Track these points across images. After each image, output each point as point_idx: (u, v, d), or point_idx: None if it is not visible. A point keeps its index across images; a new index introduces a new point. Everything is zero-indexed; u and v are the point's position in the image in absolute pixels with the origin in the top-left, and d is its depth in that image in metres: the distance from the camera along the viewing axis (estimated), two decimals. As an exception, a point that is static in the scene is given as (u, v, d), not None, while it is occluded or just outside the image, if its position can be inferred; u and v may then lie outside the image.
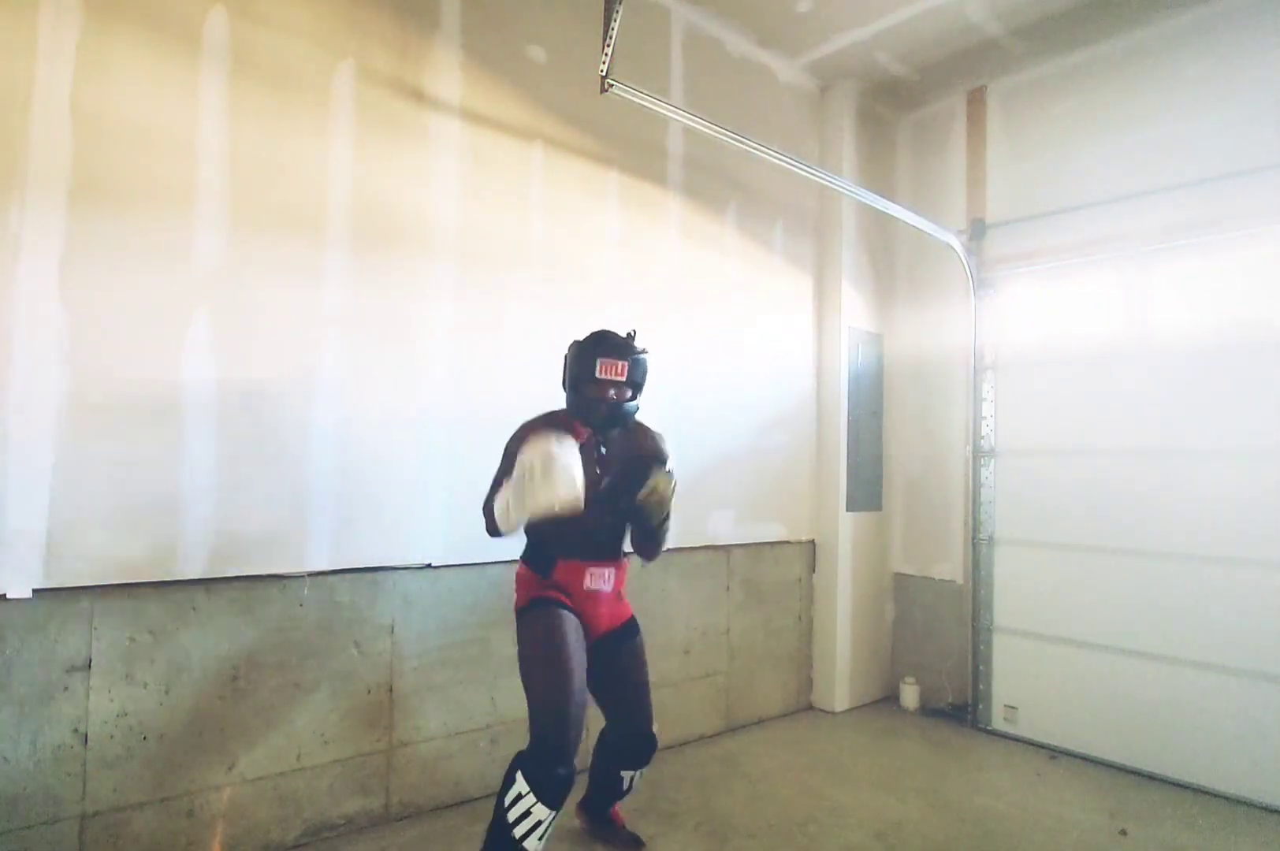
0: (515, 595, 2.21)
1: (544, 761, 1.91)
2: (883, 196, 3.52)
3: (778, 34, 3.62)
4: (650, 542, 2.19)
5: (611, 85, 2.49)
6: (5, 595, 1.90)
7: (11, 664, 1.91)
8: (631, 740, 2.26)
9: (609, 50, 2.45)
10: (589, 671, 2.08)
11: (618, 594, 2.23)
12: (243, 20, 2.27)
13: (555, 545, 2.13)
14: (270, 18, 2.33)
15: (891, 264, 4.27)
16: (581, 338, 2.17)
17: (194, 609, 2.18)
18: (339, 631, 2.44)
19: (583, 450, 2.02)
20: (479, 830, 2.49)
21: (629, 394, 2.12)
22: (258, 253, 2.29)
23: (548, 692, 1.96)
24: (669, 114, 2.74)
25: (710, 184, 3.56)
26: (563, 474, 1.80)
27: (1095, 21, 3.36)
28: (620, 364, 2.05)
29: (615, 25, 2.43)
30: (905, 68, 3.82)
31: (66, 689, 1.98)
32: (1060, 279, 3.62)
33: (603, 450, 2.15)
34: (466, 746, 2.72)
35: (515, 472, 1.85)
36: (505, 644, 2.81)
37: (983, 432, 3.82)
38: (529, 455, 1.82)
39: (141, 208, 2.10)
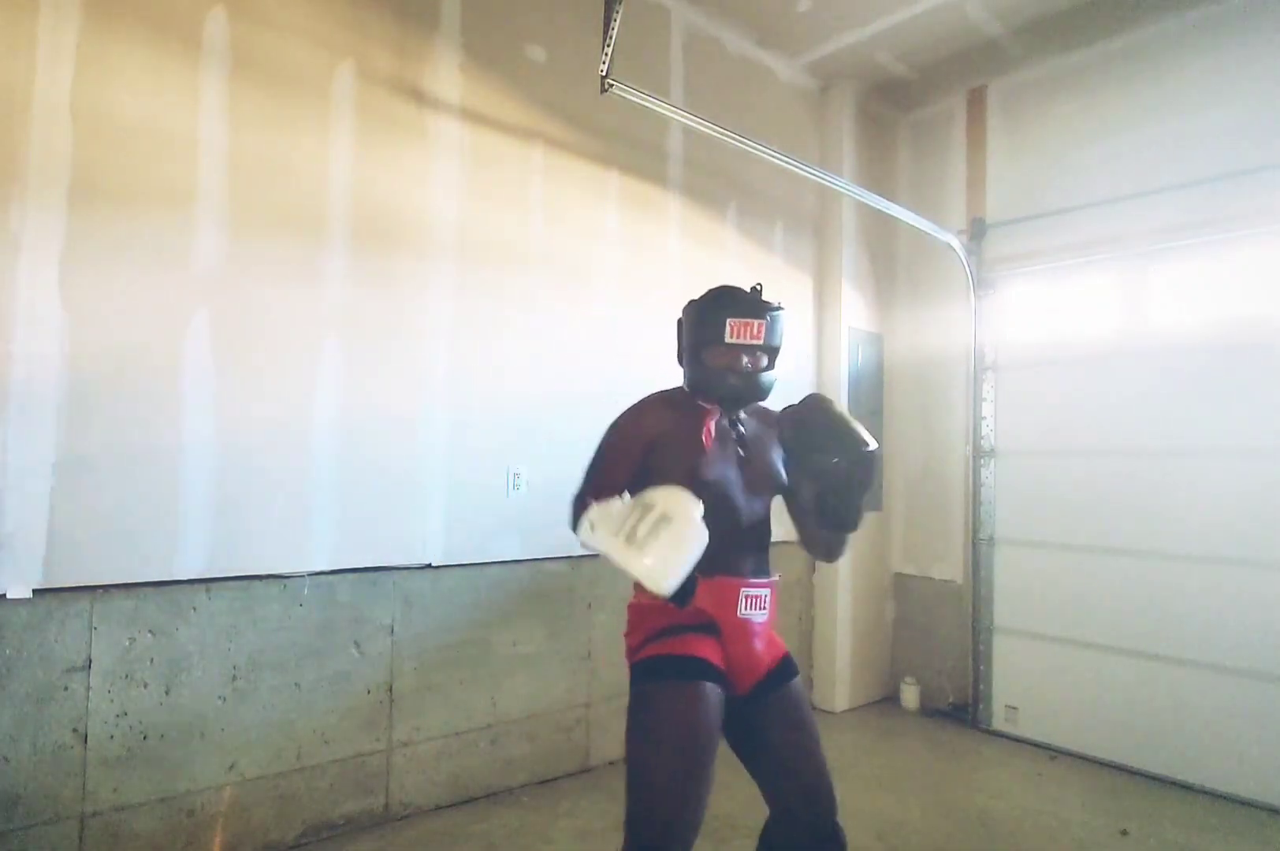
0: (630, 631, 1.65)
1: None
2: (883, 196, 3.53)
3: (778, 34, 3.62)
4: (840, 538, 1.65)
5: (611, 85, 2.49)
6: (5, 595, 1.90)
7: (11, 664, 1.91)
8: (807, 837, 1.54)
9: (609, 50, 2.45)
10: (736, 738, 1.60)
11: (772, 622, 1.65)
12: (243, 20, 2.27)
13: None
14: (270, 18, 2.33)
15: (891, 264, 4.27)
16: (699, 296, 1.71)
17: (194, 609, 2.18)
18: (339, 631, 2.44)
19: (719, 431, 1.66)
20: (479, 830, 2.50)
21: (764, 362, 1.67)
22: (257, 252, 2.29)
23: (650, 794, 1.46)
24: (669, 114, 2.74)
25: (710, 184, 3.56)
26: (675, 550, 1.36)
27: (1095, 21, 3.36)
28: (756, 324, 1.60)
29: (615, 25, 2.43)
30: (905, 68, 3.82)
31: (66, 689, 1.98)
32: (1060, 279, 3.62)
33: (741, 429, 1.69)
34: (466, 746, 2.72)
35: (632, 506, 1.42)
36: (506, 644, 2.81)
37: (983, 432, 3.82)
38: (661, 502, 1.39)
39: (141, 207, 2.10)
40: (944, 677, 3.90)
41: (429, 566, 2.64)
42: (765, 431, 1.74)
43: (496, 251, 2.81)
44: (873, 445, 1.55)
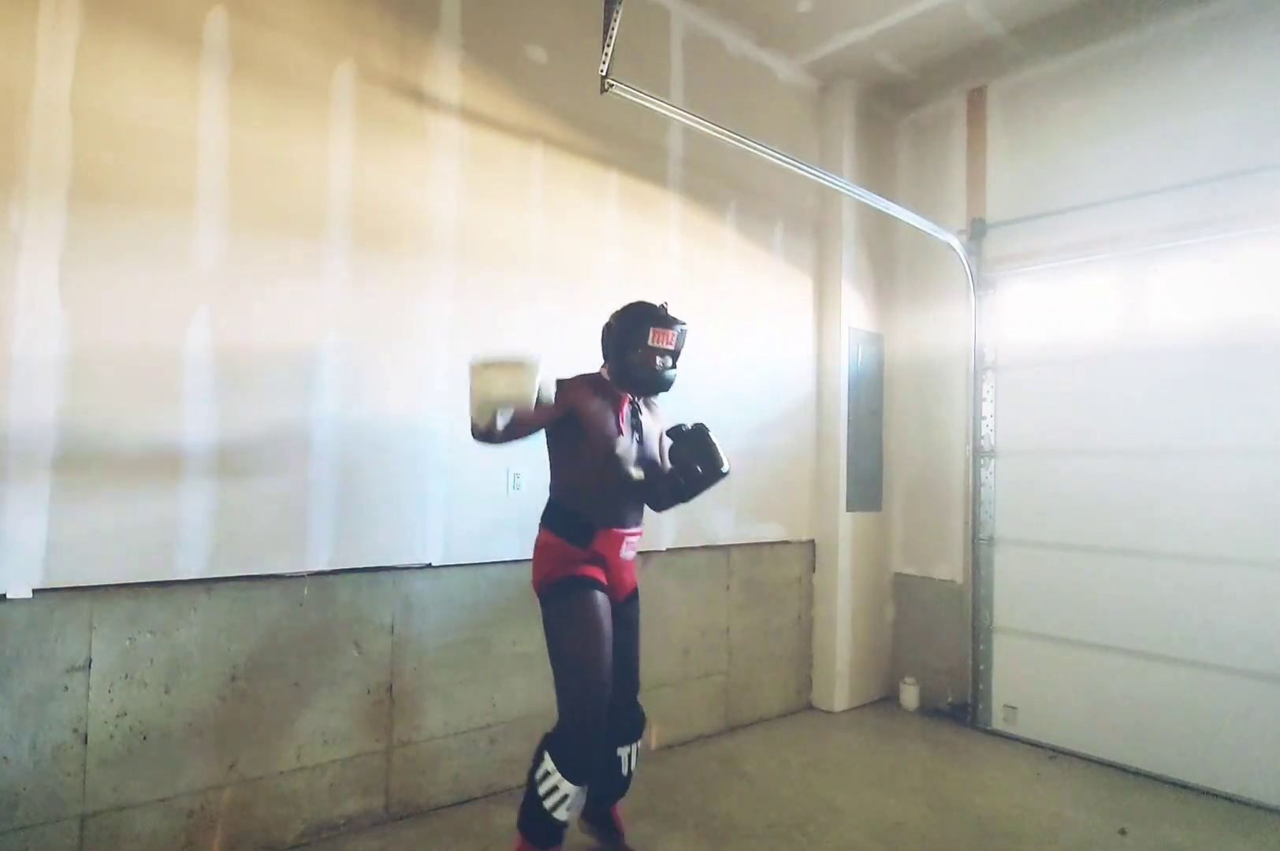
0: (538, 565, 2.18)
1: (577, 744, 2.02)
2: (883, 196, 3.52)
3: (778, 34, 3.62)
4: (682, 500, 2.29)
5: (611, 85, 2.49)
6: (5, 595, 1.90)
7: (11, 664, 1.91)
8: (621, 709, 2.26)
9: (609, 50, 2.45)
10: None
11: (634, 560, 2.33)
12: (243, 20, 2.27)
13: (594, 514, 2.17)
14: (270, 18, 2.32)
15: (891, 264, 4.27)
16: (622, 308, 2.27)
17: (194, 609, 2.18)
18: (339, 631, 2.44)
19: (628, 416, 2.25)
20: (479, 829, 2.50)
21: (671, 362, 2.23)
22: (257, 252, 2.29)
23: (584, 679, 2.03)
24: (669, 114, 2.74)
25: (710, 184, 3.56)
26: (508, 382, 1.92)
27: (1095, 21, 3.36)
28: (671, 333, 2.18)
29: (615, 25, 2.43)
30: (905, 68, 3.82)
31: (66, 689, 1.98)
32: (1060, 279, 3.62)
33: (640, 416, 2.28)
34: (466, 746, 2.72)
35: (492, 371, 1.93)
36: (505, 644, 2.81)
37: (983, 433, 3.82)
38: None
39: (141, 207, 2.10)
40: (944, 677, 3.90)
41: (429, 566, 2.64)
42: (652, 420, 2.36)
43: (496, 251, 2.81)
44: (728, 468, 2.21)
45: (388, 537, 2.54)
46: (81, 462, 2.00)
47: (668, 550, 3.35)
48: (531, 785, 2.05)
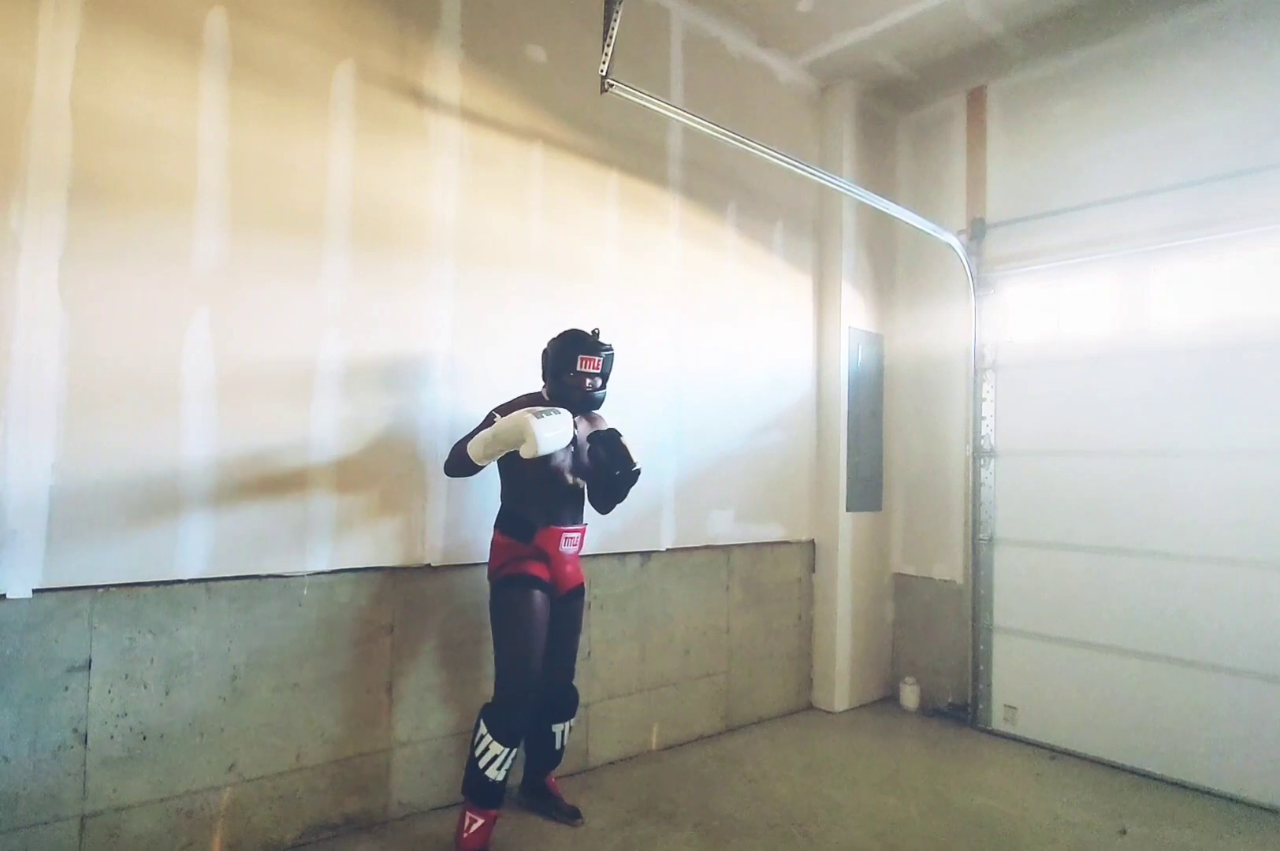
0: (491, 560, 2.50)
1: (505, 712, 2.34)
2: (883, 196, 3.52)
3: (778, 34, 3.62)
4: (614, 499, 2.55)
5: (611, 85, 2.49)
6: (5, 595, 1.90)
7: (11, 664, 1.91)
8: (557, 691, 2.59)
9: (609, 50, 2.45)
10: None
11: (578, 556, 2.60)
12: (243, 20, 2.27)
13: (534, 514, 2.46)
14: (270, 18, 2.32)
15: (891, 264, 4.27)
16: (557, 336, 2.49)
17: (194, 609, 2.18)
18: (339, 631, 2.44)
19: None
20: (479, 830, 2.50)
21: (600, 383, 2.49)
22: (257, 252, 2.29)
23: (515, 660, 2.35)
24: (669, 114, 2.74)
25: (710, 184, 3.56)
26: (558, 431, 2.18)
27: (1095, 21, 3.37)
28: (596, 359, 2.44)
29: (615, 25, 2.43)
30: (905, 68, 3.82)
31: (66, 689, 1.98)
32: (1060, 279, 3.63)
33: (576, 429, 2.48)
34: (466, 746, 2.71)
35: (522, 415, 2.16)
36: (505, 644, 2.81)
37: (983, 432, 3.82)
38: (540, 411, 2.18)
39: (141, 207, 2.10)
40: (944, 677, 3.90)
41: (429, 566, 2.64)
42: (588, 431, 2.55)
43: (496, 251, 2.81)
44: (638, 466, 2.42)
45: (388, 538, 2.54)
46: (81, 461, 2.00)
47: (668, 550, 3.35)
48: (471, 751, 2.35)
